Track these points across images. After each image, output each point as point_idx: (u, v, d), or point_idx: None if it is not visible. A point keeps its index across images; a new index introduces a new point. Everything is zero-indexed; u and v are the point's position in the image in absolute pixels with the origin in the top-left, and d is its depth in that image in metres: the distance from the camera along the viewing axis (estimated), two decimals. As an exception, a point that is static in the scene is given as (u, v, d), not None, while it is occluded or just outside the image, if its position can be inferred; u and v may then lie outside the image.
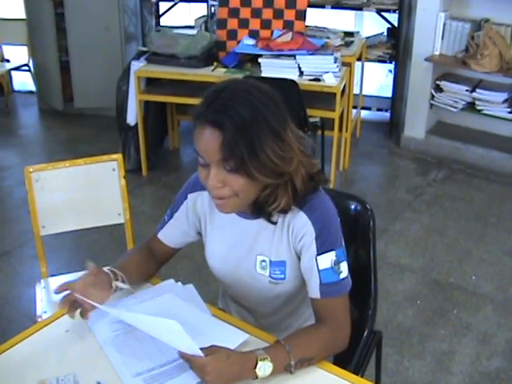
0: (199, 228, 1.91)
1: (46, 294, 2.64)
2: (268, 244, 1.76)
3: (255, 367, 1.54)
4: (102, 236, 3.95)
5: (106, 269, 1.78)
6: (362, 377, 1.77)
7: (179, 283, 1.94)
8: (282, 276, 1.78)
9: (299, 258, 1.75)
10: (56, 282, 2.74)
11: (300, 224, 1.69)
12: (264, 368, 1.54)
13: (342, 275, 1.70)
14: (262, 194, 1.65)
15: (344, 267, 1.70)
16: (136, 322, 1.65)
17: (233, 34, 4.63)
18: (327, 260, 1.68)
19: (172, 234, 1.94)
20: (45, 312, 2.50)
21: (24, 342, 1.74)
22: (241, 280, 1.85)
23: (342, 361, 1.83)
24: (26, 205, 2.62)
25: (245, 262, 1.81)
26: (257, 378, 1.55)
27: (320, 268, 1.68)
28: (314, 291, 1.70)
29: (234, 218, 1.77)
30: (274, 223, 1.73)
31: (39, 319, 2.43)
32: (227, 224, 1.81)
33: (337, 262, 1.68)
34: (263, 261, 1.78)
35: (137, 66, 4.61)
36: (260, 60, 4.34)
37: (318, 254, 1.68)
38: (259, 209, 1.70)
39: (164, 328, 1.56)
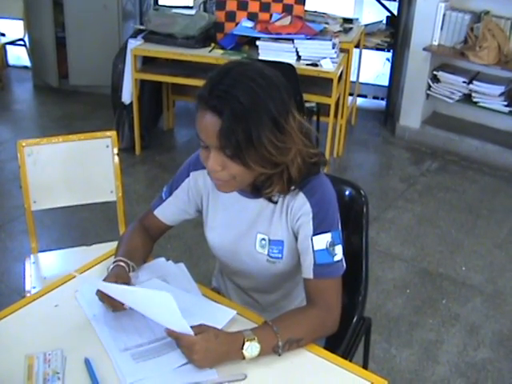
0: (200, 206, 1.90)
1: (35, 270, 2.63)
2: (268, 223, 1.77)
3: (242, 348, 1.54)
4: (93, 213, 3.94)
5: (121, 263, 1.79)
6: (350, 362, 1.77)
7: (170, 261, 1.94)
8: (280, 255, 1.78)
9: (296, 238, 1.75)
10: (46, 257, 2.74)
11: (299, 204, 1.70)
12: (251, 348, 1.54)
13: (337, 258, 1.70)
14: (257, 179, 1.66)
15: (339, 250, 1.71)
16: (127, 297, 1.65)
17: (231, 16, 4.60)
18: (323, 241, 1.68)
19: (170, 211, 1.93)
20: (34, 287, 2.49)
21: (11, 316, 1.73)
22: (239, 257, 1.85)
23: (331, 345, 1.84)
24: (18, 180, 2.60)
25: (244, 240, 1.81)
26: (244, 358, 1.55)
27: (315, 248, 1.69)
28: (308, 271, 1.71)
29: (237, 196, 1.78)
30: (275, 203, 1.74)
31: (28, 294, 2.42)
32: (230, 202, 1.81)
33: (332, 244, 1.69)
34: (263, 239, 1.78)
35: (134, 44, 4.57)
36: (258, 43, 4.31)
37: (314, 235, 1.69)
38: (257, 190, 1.72)
39: (156, 302, 1.55)
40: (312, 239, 1.69)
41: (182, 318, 1.51)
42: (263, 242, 1.78)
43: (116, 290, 1.64)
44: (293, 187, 1.68)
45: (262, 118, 1.50)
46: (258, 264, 1.81)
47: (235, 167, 1.56)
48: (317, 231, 1.68)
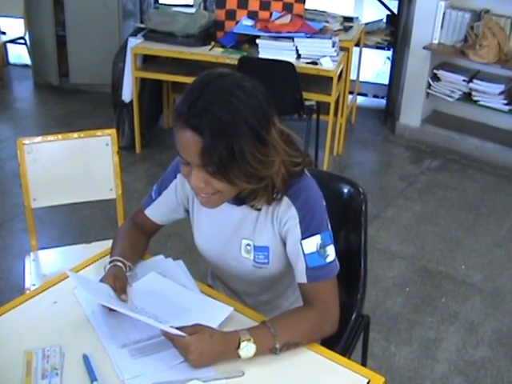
0: (187, 206, 1.90)
1: (35, 267, 2.63)
2: (252, 229, 1.75)
3: (238, 347, 1.54)
4: (93, 211, 3.94)
5: (118, 263, 1.79)
6: (348, 359, 1.77)
7: (169, 258, 1.95)
8: (266, 261, 1.77)
9: (284, 244, 1.73)
10: (45, 255, 2.74)
11: (284, 209, 1.68)
12: (247, 349, 1.54)
13: (329, 259, 1.68)
14: (242, 192, 1.65)
15: (331, 251, 1.68)
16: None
17: (231, 14, 4.60)
18: (312, 244, 1.66)
19: (160, 211, 1.93)
20: (34, 285, 2.50)
21: (11, 312, 1.73)
22: (226, 261, 1.84)
23: (330, 343, 1.83)
24: (18, 178, 2.60)
25: (230, 245, 1.80)
26: (240, 358, 1.55)
27: (305, 252, 1.67)
28: (301, 276, 1.69)
29: None
30: (258, 210, 1.72)
31: (28, 292, 2.42)
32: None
33: (322, 246, 1.67)
34: (248, 245, 1.77)
35: (134, 42, 4.58)
36: (258, 41, 4.32)
37: (303, 238, 1.66)
38: (241, 200, 1.70)
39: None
40: (301, 243, 1.66)
41: (170, 328, 1.52)
42: (248, 247, 1.77)
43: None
44: (277, 195, 1.66)
45: (244, 133, 1.46)
46: (245, 268, 1.80)
47: (219, 183, 1.53)
48: (305, 235, 1.66)
